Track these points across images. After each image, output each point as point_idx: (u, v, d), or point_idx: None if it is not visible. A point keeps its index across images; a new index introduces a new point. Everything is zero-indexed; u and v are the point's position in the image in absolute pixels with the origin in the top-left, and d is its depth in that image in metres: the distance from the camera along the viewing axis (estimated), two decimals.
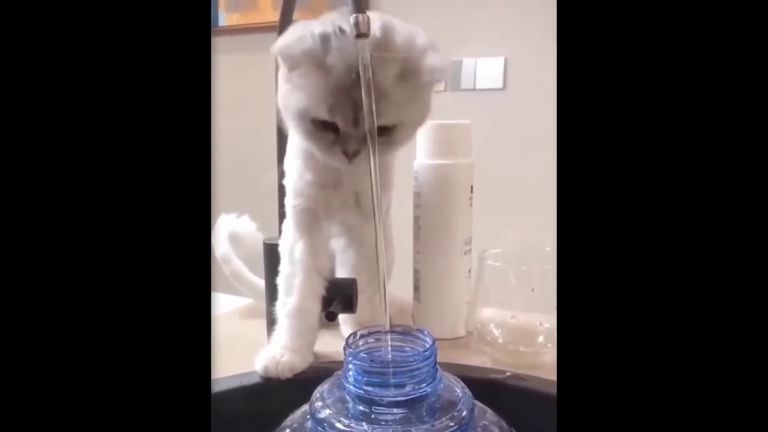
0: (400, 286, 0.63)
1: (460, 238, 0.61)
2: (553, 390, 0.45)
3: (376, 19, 0.43)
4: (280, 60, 0.48)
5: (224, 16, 1.96)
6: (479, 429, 0.35)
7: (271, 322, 0.56)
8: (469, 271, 0.61)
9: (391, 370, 0.33)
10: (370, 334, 0.37)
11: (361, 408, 0.33)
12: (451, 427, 0.32)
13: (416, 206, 0.62)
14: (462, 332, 0.60)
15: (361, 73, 0.40)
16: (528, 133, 1.51)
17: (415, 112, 0.48)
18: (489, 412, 0.37)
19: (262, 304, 0.61)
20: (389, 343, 0.36)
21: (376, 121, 0.40)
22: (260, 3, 1.90)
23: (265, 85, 0.54)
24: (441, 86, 1.57)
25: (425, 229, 0.61)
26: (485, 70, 1.60)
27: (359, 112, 0.44)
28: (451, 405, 0.34)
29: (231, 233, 0.70)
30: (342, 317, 0.61)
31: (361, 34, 0.40)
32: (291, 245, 0.55)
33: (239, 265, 0.71)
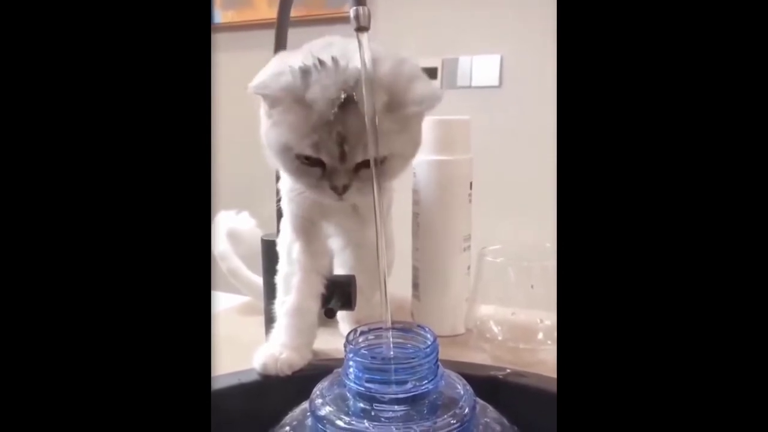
0: (398, 284, 0.62)
1: (460, 234, 0.61)
2: (553, 387, 0.45)
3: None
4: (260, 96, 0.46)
5: (219, 14, 1.95)
6: (481, 426, 0.35)
7: (270, 320, 0.56)
8: (469, 268, 0.61)
9: (392, 366, 0.33)
10: (370, 330, 0.37)
11: (361, 405, 0.33)
12: (453, 424, 0.32)
13: (415, 203, 0.62)
14: (461, 329, 0.60)
15: (361, 69, 0.40)
16: (525, 130, 1.51)
17: (405, 142, 0.47)
18: (490, 409, 0.37)
19: (260, 302, 0.61)
20: (390, 339, 0.36)
21: (370, 147, 0.39)
22: (255, 0, 1.89)
23: None
24: (437, 83, 1.56)
25: (424, 226, 0.61)
26: (481, 68, 1.60)
27: (345, 146, 0.43)
28: (452, 402, 0.34)
29: (230, 230, 0.69)
30: (341, 315, 0.61)
31: (362, 27, 0.40)
32: (289, 245, 0.54)
33: (237, 263, 0.70)
